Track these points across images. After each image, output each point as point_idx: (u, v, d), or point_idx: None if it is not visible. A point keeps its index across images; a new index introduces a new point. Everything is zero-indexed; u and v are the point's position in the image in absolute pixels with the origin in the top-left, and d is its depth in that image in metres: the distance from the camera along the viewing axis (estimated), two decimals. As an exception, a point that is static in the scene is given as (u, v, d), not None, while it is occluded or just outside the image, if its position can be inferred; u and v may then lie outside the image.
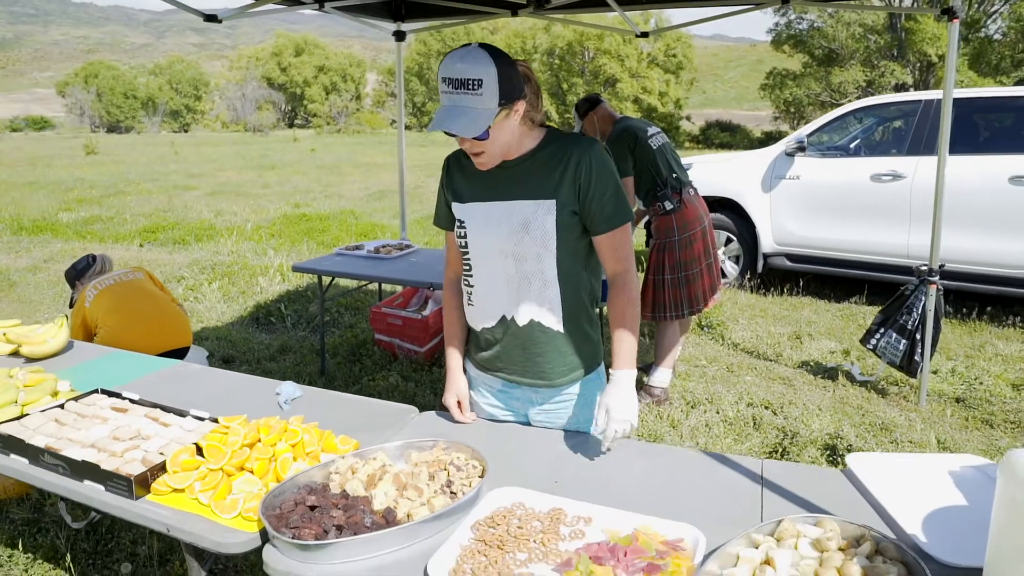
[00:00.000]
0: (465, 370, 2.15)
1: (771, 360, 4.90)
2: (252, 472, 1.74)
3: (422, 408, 2.24)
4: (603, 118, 4.08)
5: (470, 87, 1.65)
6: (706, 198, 6.63)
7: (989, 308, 5.87)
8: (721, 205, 6.63)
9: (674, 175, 4.02)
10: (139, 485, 1.70)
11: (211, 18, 3.43)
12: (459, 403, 2.10)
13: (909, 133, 5.99)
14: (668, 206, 3.99)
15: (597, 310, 2.02)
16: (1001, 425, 3.90)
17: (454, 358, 2.13)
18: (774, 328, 5.52)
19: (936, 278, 4.05)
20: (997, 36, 26.26)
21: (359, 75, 58.11)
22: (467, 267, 1.97)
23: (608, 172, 1.82)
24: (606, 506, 1.61)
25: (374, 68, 63.91)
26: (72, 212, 12.40)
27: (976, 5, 26.29)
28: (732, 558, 1.39)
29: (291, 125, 54.53)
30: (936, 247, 4.05)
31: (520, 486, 1.71)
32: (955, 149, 5.71)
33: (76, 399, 2.17)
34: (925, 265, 4.11)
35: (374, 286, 6.13)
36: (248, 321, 5.82)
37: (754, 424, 3.87)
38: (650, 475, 1.81)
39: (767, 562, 1.37)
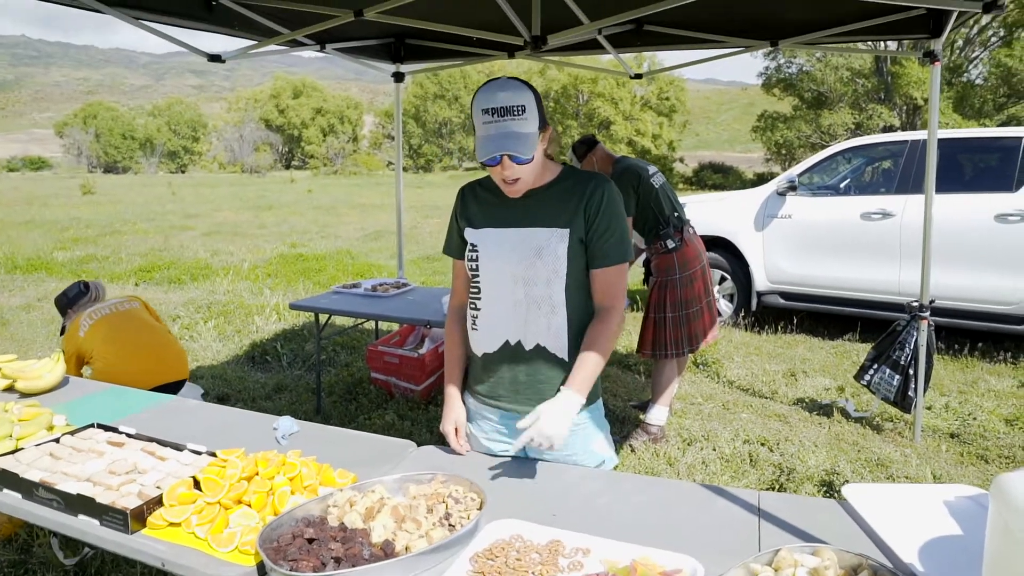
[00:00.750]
0: (464, 403, 2.16)
1: (767, 397, 4.91)
2: (249, 505, 1.74)
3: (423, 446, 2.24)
4: (602, 159, 4.14)
5: (516, 113, 1.74)
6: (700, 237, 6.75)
7: (980, 344, 5.91)
8: (715, 244, 6.69)
9: (675, 213, 4.08)
10: (135, 519, 1.69)
11: (215, 58, 3.51)
12: (456, 430, 2.10)
13: (897, 172, 6.10)
14: (670, 244, 4.04)
15: None
16: (996, 460, 3.91)
17: (453, 386, 2.14)
18: (769, 365, 5.54)
19: (927, 314, 4.09)
20: (979, 81, 26.86)
21: (356, 117, 58.85)
22: (475, 290, 2.00)
23: (617, 210, 1.91)
24: (604, 538, 1.61)
25: (371, 110, 64.77)
26: (67, 251, 12.44)
27: (958, 51, 26.93)
28: None
29: (288, 166, 55.01)
30: (926, 283, 4.10)
31: (518, 518, 1.71)
32: (942, 188, 5.80)
33: (72, 433, 2.17)
34: (916, 301, 4.16)
35: (371, 325, 6.15)
36: (244, 360, 5.81)
37: (751, 461, 3.87)
38: (648, 507, 1.81)
39: None
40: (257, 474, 1.83)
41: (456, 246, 2.07)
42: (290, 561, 1.50)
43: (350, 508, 1.71)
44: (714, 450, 3.98)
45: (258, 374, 5.43)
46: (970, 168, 6.03)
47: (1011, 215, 5.42)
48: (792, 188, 6.33)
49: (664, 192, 4.08)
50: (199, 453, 2.03)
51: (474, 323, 2.04)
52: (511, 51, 4.38)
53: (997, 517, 1.16)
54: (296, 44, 4.12)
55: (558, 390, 1.91)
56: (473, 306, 2.03)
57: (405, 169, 47.72)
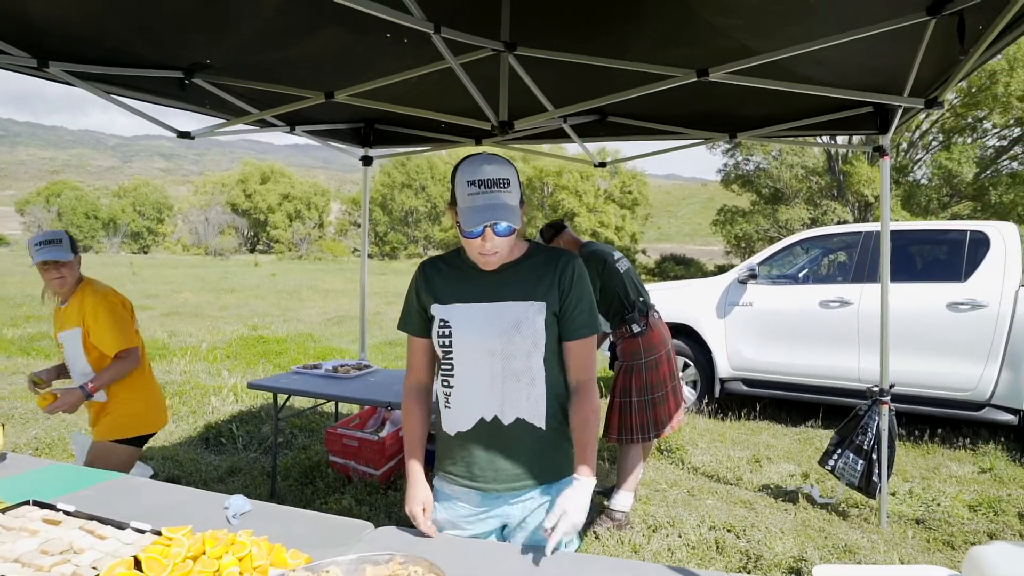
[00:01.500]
0: (432, 484, 2.09)
1: (731, 484, 4.86)
2: (194, 587, 1.63)
3: None
4: (568, 242, 4.20)
5: (502, 185, 1.77)
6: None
7: (940, 430, 5.98)
8: (678, 331, 6.75)
9: (640, 298, 4.11)
10: (67, 602, 1.58)
11: (184, 135, 3.53)
12: (424, 510, 2.02)
13: (853, 262, 6.30)
14: (636, 329, 4.04)
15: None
16: (961, 546, 3.88)
17: (416, 466, 2.07)
18: (733, 452, 5.51)
19: (887, 398, 4.14)
20: (924, 181, 28.26)
21: (323, 204, 59.33)
22: (448, 367, 1.96)
23: (587, 284, 1.96)
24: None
25: (338, 198, 65.38)
26: (18, 328, 12.08)
27: (904, 153, 28.43)
28: None
29: (253, 250, 54.83)
30: (885, 368, 4.17)
31: (479, 601, 1.63)
32: (896, 277, 5.99)
33: (3, 511, 2.04)
34: (876, 386, 4.20)
35: (330, 408, 6.00)
36: (197, 441, 5.59)
37: (717, 547, 3.78)
38: (614, 590, 1.74)
39: None
40: (204, 553, 1.72)
41: (416, 323, 2.05)
42: (234, 647, 1.40)
43: (302, 590, 1.62)
44: (680, 537, 3.89)
45: (211, 456, 5.22)
46: (921, 259, 6.25)
47: (961, 304, 5.59)
48: (752, 276, 6.47)
49: (629, 277, 4.12)
50: (143, 532, 1.92)
51: (447, 401, 2.00)
52: (478, 138, 4.50)
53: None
54: (266, 124, 4.18)
55: (535, 465, 1.94)
56: (446, 383, 1.99)
57: (370, 256, 48.05)
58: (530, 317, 1.88)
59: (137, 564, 1.69)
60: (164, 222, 59.36)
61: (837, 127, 4.03)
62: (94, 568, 1.70)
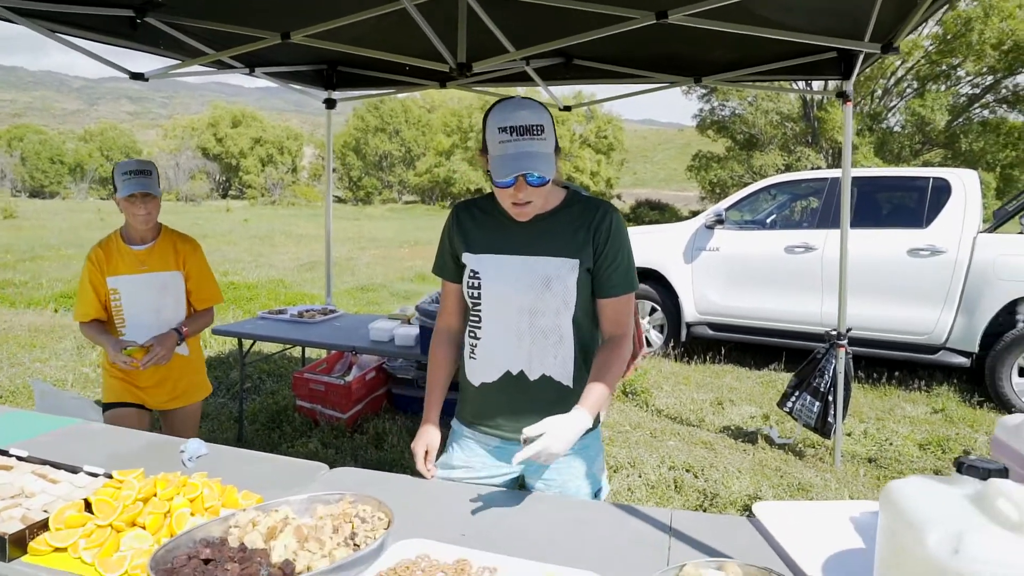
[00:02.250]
0: (453, 428, 2.09)
1: (694, 425, 4.98)
2: (144, 528, 1.66)
3: None
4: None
5: (535, 132, 1.67)
6: (631, 268, 6.87)
7: (897, 373, 6.15)
8: (646, 276, 6.81)
9: None
10: (13, 545, 1.59)
11: (137, 76, 3.42)
12: (427, 453, 2.03)
13: (819, 208, 6.35)
14: None
15: None
16: (910, 485, 4.03)
17: (432, 409, 2.06)
18: (697, 395, 5.63)
19: (844, 342, 4.23)
20: (897, 128, 28.37)
21: (296, 148, 58.23)
22: (476, 319, 1.93)
23: (624, 239, 1.85)
24: (512, 556, 1.59)
25: (311, 142, 64.18)
26: (-16, 275, 11.85)
27: (878, 100, 28.42)
28: None
29: (225, 196, 53.87)
30: (843, 312, 4.24)
31: (427, 538, 1.67)
32: (859, 223, 6.08)
33: (-42, 457, 2.04)
34: (834, 330, 4.29)
35: (298, 352, 6.00)
36: (164, 388, 5.58)
37: (675, 487, 3.90)
38: (560, 526, 1.80)
39: None
40: (155, 495, 1.74)
41: (449, 268, 1.99)
42: (182, 584, 1.44)
43: (252, 528, 1.65)
44: (640, 477, 4.00)
45: (179, 403, 5.23)
46: (885, 205, 6.32)
47: (922, 249, 5.69)
48: (720, 222, 6.51)
49: None
50: (96, 476, 1.93)
51: (472, 352, 1.97)
52: (443, 80, 4.42)
53: (885, 523, 1.19)
54: (224, 66, 4.06)
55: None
56: (472, 335, 1.96)
57: (344, 201, 47.54)
58: (562, 275, 1.81)
59: (88, 507, 1.71)
60: (132, 167, 57.90)
61: (801, 72, 4.02)
62: (45, 511, 1.72)
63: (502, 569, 1.55)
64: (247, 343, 4.40)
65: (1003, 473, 1.12)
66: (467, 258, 1.93)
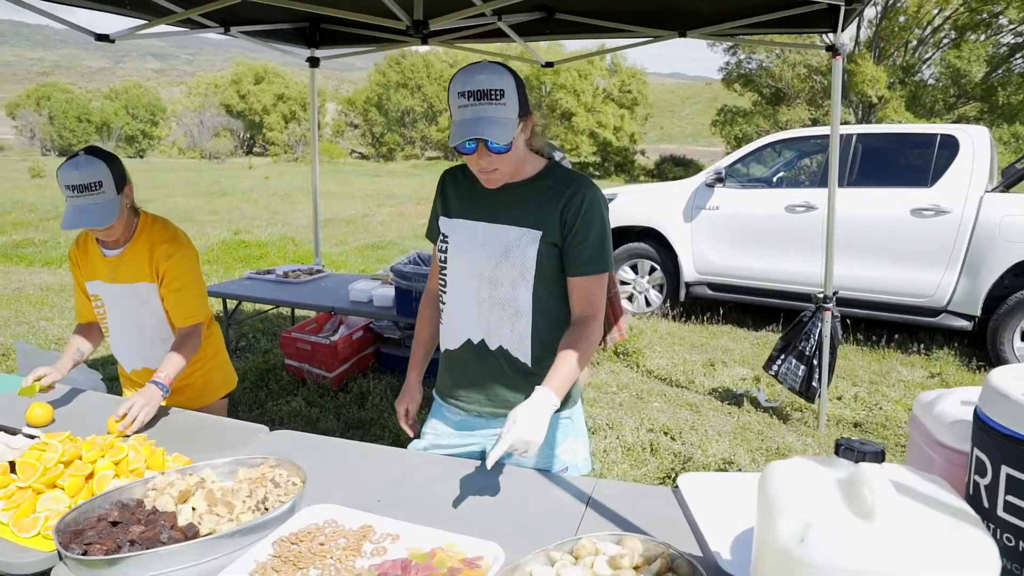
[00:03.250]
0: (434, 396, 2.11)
1: (683, 387, 4.96)
2: (63, 489, 1.69)
3: (327, 434, 2.19)
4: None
5: (493, 97, 1.63)
6: (630, 228, 6.79)
7: (896, 336, 6.04)
8: (645, 235, 6.74)
9: None
10: (-63, 503, 1.63)
11: (103, 38, 3.40)
12: (407, 412, 2.05)
13: (821, 166, 6.19)
14: None
15: None
16: (892, 449, 3.99)
17: (414, 369, 2.09)
18: (689, 356, 5.60)
19: (831, 305, 4.15)
20: (931, 81, 27.43)
21: (319, 104, 58.06)
22: (443, 283, 1.93)
23: (598, 217, 1.79)
24: (416, 524, 1.59)
25: (335, 98, 63.86)
26: (5, 235, 12.07)
27: (912, 51, 27.47)
28: (526, 574, 1.39)
29: (249, 153, 54.05)
30: (830, 274, 4.16)
31: (344, 504, 1.69)
32: (862, 182, 5.93)
33: (-94, 418, 2.09)
34: (821, 292, 4.22)
35: (297, 312, 6.06)
36: (162, 346, 5.68)
37: (651, 449, 3.90)
38: (478, 495, 1.79)
39: None
40: (79, 458, 1.78)
41: (435, 232, 1.99)
42: (86, 545, 1.47)
43: (168, 491, 1.68)
44: (617, 439, 4.01)
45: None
46: (890, 163, 6.14)
47: (926, 209, 5.54)
48: (720, 180, 6.39)
49: None
50: (33, 438, 1.97)
51: (442, 317, 1.97)
52: (424, 38, 4.33)
53: (758, 507, 1.16)
54: (196, 25, 4.01)
55: (523, 395, 1.78)
56: (441, 300, 1.96)
57: (366, 157, 47.36)
58: (522, 246, 1.78)
59: (13, 468, 1.75)
60: (158, 125, 58.27)
61: (790, 24, 3.87)
62: (-27, 472, 1.76)
63: (404, 536, 1.56)
64: (232, 303, 4.44)
65: (878, 457, 1.08)
66: (442, 222, 1.94)
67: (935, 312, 5.59)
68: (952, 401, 1.47)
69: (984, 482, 1.13)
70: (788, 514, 1.04)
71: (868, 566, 0.94)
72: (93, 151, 2.27)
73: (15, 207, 16.48)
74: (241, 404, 4.37)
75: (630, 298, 6.93)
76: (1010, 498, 1.07)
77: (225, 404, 2.82)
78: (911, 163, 5.96)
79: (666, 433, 4.11)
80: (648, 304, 6.85)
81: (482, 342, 1.89)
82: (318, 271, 4.74)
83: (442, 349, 2.01)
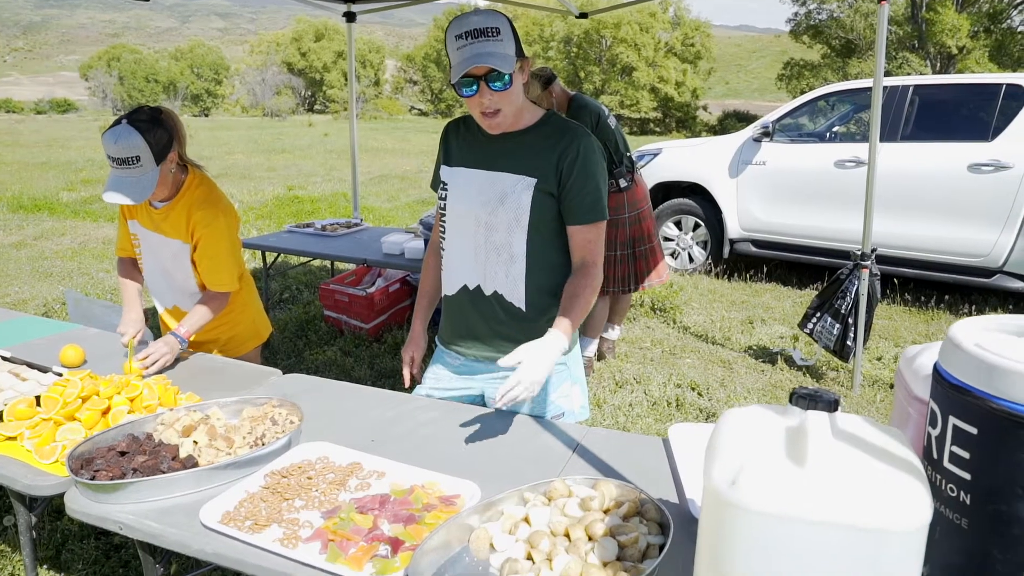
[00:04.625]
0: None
1: (718, 344, 4.91)
2: (81, 422, 1.82)
3: (359, 382, 2.28)
4: (559, 95, 4.10)
5: (490, 34, 1.68)
6: (675, 183, 6.68)
7: (947, 296, 5.83)
8: (690, 191, 6.62)
9: (628, 154, 4.12)
10: (-31, 432, 1.78)
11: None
12: (412, 360, 2.13)
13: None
14: (622, 184, 4.09)
15: None
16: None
17: (419, 317, 2.17)
18: (728, 313, 5.52)
19: (868, 262, 4.04)
20: (1021, 28, 25.73)
21: (378, 61, 58.05)
22: (442, 230, 1.99)
23: (594, 166, 1.84)
24: (409, 464, 1.66)
25: (394, 55, 63.90)
26: (74, 192, 12.60)
27: (1002, -4, 25.79)
28: (498, 513, 1.44)
29: (310, 110, 54.73)
30: (868, 231, 4.04)
31: (340, 443, 1.76)
32: (917, 136, 5.68)
33: (-50, 356, 2.25)
34: (859, 249, 4.10)
35: (338, 264, 6.20)
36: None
37: (677, 405, 3.90)
38: (471, 437, 1.85)
39: (526, 519, 1.41)
40: (97, 394, 1.90)
41: (438, 182, 2.03)
42: (95, 471, 1.58)
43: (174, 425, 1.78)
44: (644, 393, 4.02)
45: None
46: (949, 116, 5.84)
47: (985, 165, 5.27)
48: (767, 134, 6.20)
49: (619, 132, 4.10)
50: (61, 375, 2.11)
51: (442, 264, 2.03)
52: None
53: (708, 445, 1.17)
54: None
55: (518, 341, 1.79)
56: (440, 246, 2.01)
57: (425, 114, 47.37)
58: (517, 192, 1.82)
59: (38, 402, 1.89)
60: (222, 83, 59.41)
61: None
62: (4, 404, 1.90)
63: (390, 473, 1.63)
64: (271, 256, 4.58)
65: (830, 406, 1.07)
66: (443, 171, 1.99)
67: (990, 273, 5.36)
68: (932, 355, 1.44)
69: (935, 433, 1.11)
70: (726, 458, 1.06)
71: (794, 511, 0.95)
72: (135, 119, 2.26)
73: (86, 164, 17.14)
74: (279, 353, 4.54)
75: (673, 254, 6.85)
76: (955, 448, 1.06)
77: (258, 353, 2.88)
78: (972, 116, 5.66)
79: (694, 389, 4.10)
80: (691, 261, 6.76)
81: (478, 287, 1.94)
82: (355, 224, 4.84)
83: (443, 296, 2.06)
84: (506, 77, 1.70)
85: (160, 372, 2.23)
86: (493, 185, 1.85)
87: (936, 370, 1.14)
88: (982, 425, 1.01)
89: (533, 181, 1.82)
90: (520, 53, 1.75)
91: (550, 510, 1.43)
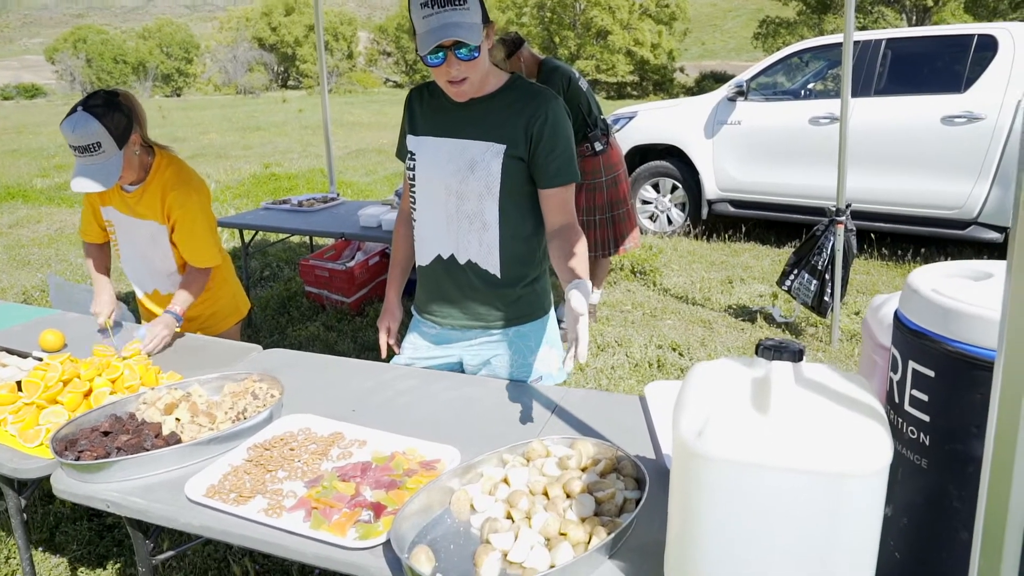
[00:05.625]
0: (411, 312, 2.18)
1: (698, 304, 4.96)
2: (63, 405, 1.83)
3: (343, 355, 2.30)
4: (528, 59, 4.09)
5: (456, 2, 1.64)
6: (651, 145, 6.69)
7: (923, 249, 5.92)
8: (667, 153, 6.63)
9: (601, 117, 4.11)
10: (-47, 419, 1.78)
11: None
12: (389, 330, 2.13)
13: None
14: (598, 147, 4.09)
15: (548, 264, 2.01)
16: (903, 361, 3.97)
17: (392, 287, 2.16)
18: (708, 273, 5.57)
19: (843, 218, 4.08)
20: (995, -22, 25.69)
21: (351, 33, 57.12)
22: (412, 200, 1.97)
23: (563, 129, 1.84)
24: (390, 432, 1.68)
25: (366, 27, 62.87)
26: (48, 178, 12.41)
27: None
28: (478, 476, 1.47)
29: (284, 86, 53.91)
30: (842, 187, 4.08)
31: (322, 415, 1.79)
32: (890, 90, 5.71)
33: (-71, 345, 2.24)
34: (834, 205, 4.14)
35: (318, 240, 6.18)
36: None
37: (658, 365, 3.96)
38: (448, 404, 1.88)
39: (505, 480, 1.44)
40: (78, 376, 1.90)
41: (404, 151, 2.00)
42: (79, 452, 1.60)
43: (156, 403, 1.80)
44: (626, 356, 4.07)
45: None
46: (921, 69, 5.86)
47: (957, 117, 5.32)
48: (741, 93, 6.20)
49: (591, 95, 4.09)
50: (41, 360, 2.11)
51: (414, 234, 2.02)
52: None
53: (677, 399, 1.19)
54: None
55: (494, 308, 1.93)
56: (412, 217, 2.00)
57: (400, 86, 46.79)
58: (487, 159, 1.82)
59: (20, 387, 1.89)
60: (193, 62, 58.30)
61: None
62: (-14, 391, 1.90)
63: (371, 442, 1.66)
64: (249, 234, 4.56)
65: (795, 356, 1.10)
66: (409, 140, 1.96)
67: (964, 224, 5.43)
68: (896, 304, 1.47)
69: (896, 378, 1.15)
70: (693, 410, 1.08)
71: (758, 459, 0.98)
72: (90, 106, 2.22)
73: (58, 150, 16.83)
74: (262, 330, 4.54)
75: (652, 217, 6.88)
76: (914, 392, 1.09)
77: (238, 330, 2.89)
78: (944, 68, 5.68)
79: (674, 349, 4.16)
80: (670, 223, 6.79)
81: (452, 257, 1.94)
82: (332, 199, 4.82)
83: (417, 266, 2.06)
84: (473, 46, 1.69)
85: (162, 351, 2.25)
86: (462, 153, 1.84)
87: (896, 317, 1.17)
88: (939, 368, 1.05)
89: (503, 148, 1.81)
90: (486, 19, 1.73)
91: (528, 470, 1.46)
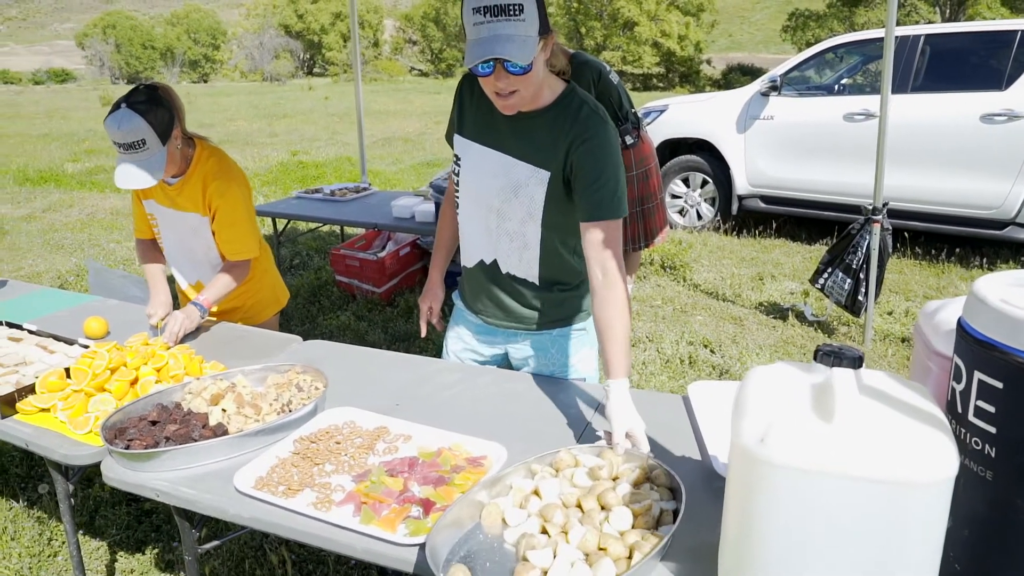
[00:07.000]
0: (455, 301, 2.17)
1: (728, 300, 4.93)
2: (111, 393, 1.85)
3: (374, 346, 2.30)
4: (557, 52, 4.06)
5: (512, 12, 1.51)
6: (682, 140, 6.63)
7: (958, 249, 5.81)
8: (697, 147, 6.57)
9: (633, 110, 4.07)
10: (5, 405, 1.82)
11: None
12: (431, 309, 2.14)
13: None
14: (629, 141, 4.04)
15: None
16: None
17: (436, 268, 2.16)
18: (738, 270, 5.53)
19: (879, 217, 4.02)
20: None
21: (377, 21, 57.16)
22: (457, 194, 1.93)
23: (608, 158, 1.70)
24: (434, 427, 1.69)
25: (392, 14, 62.86)
26: (79, 163, 12.58)
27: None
28: (507, 488, 1.42)
29: (310, 73, 54.12)
30: (879, 185, 4.02)
31: (365, 408, 1.79)
32: (929, 87, 5.61)
33: (-21, 330, 2.29)
34: (871, 203, 4.08)
35: (347, 229, 6.21)
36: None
37: (689, 362, 3.93)
38: (493, 399, 1.88)
39: (536, 492, 1.40)
40: (124, 365, 1.93)
41: (451, 137, 1.94)
42: (129, 441, 1.62)
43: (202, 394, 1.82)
44: (657, 352, 4.05)
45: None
46: (961, 65, 5.74)
47: (998, 115, 5.21)
48: (774, 88, 6.13)
49: (622, 88, 4.04)
50: (87, 347, 2.14)
51: (460, 231, 2.00)
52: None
53: (735, 404, 1.19)
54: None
55: (536, 310, 1.91)
56: (457, 211, 1.98)
57: (425, 75, 46.80)
58: (531, 185, 1.75)
59: (68, 374, 1.92)
60: (220, 48, 58.72)
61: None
62: (36, 376, 1.94)
63: (416, 436, 1.67)
64: (282, 223, 4.58)
65: (855, 362, 1.09)
66: (457, 139, 1.91)
67: (1002, 225, 5.33)
68: (953, 310, 1.44)
69: (960, 388, 1.13)
70: (754, 415, 1.07)
71: (822, 466, 0.97)
72: (134, 102, 2.21)
73: (88, 135, 17.07)
74: (293, 319, 4.57)
75: (681, 212, 6.83)
76: (980, 403, 1.07)
77: (276, 320, 2.91)
78: (985, 64, 5.56)
79: (706, 346, 4.13)
80: (700, 218, 6.74)
81: (494, 263, 1.93)
82: (364, 189, 4.83)
83: (461, 263, 2.06)
84: (526, 64, 1.57)
85: (183, 341, 2.25)
86: (507, 173, 1.78)
87: (960, 325, 1.15)
88: (1008, 379, 1.03)
89: (547, 175, 1.73)
90: (544, 28, 1.58)
91: (559, 481, 1.42)
